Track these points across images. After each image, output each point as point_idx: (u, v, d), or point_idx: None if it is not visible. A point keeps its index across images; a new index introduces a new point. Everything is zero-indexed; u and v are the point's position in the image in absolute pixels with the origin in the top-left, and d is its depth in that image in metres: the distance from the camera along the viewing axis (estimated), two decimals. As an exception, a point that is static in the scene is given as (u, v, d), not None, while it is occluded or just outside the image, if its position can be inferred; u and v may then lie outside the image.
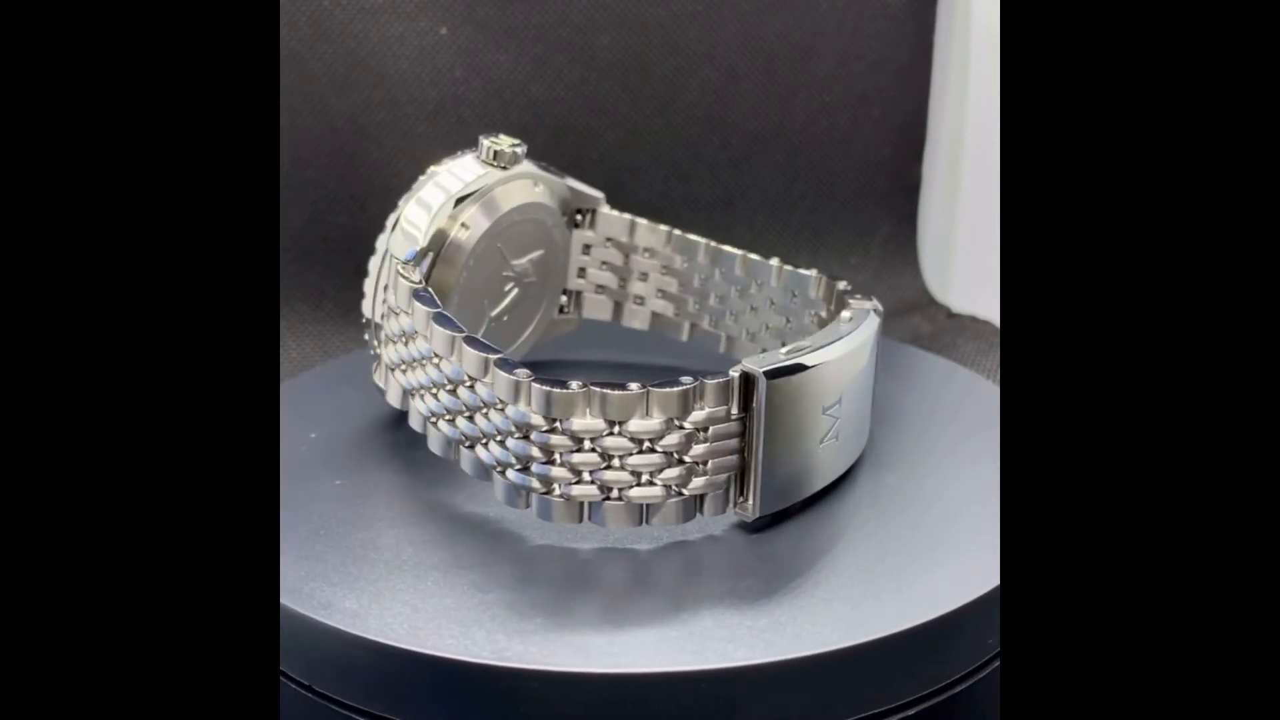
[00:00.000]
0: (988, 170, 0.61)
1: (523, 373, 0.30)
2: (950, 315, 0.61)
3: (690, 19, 0.56)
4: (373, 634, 0.29)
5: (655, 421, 0.30)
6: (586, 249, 0.41)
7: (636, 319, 0.41)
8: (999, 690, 0.31)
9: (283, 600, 0.30)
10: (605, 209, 0.40)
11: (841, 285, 0.36)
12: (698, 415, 0.30)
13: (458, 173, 0.36)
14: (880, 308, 0.35)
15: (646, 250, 0.40)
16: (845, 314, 0.34)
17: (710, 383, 0.30)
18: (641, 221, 0.40)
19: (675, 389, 0.30)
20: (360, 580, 0.31)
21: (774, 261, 0.38)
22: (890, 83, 0.59)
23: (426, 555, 0.32)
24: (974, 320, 0.60)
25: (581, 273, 0.41)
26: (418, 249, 0.35)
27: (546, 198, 0.38)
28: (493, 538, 0.32)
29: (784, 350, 0.31)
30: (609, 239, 0.40)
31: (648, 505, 0.30)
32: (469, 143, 0.55)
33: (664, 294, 0.40)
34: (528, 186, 0.38)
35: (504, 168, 0.36)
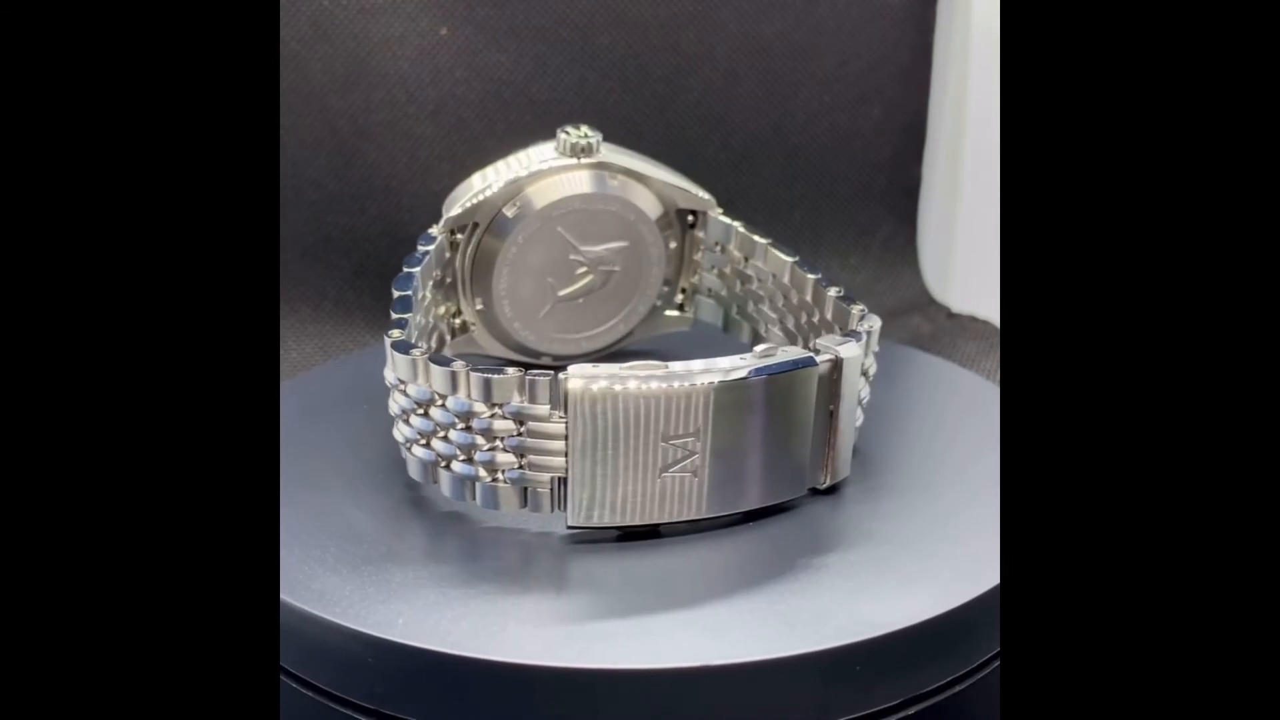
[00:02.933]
0: (988, 170, 0.61)
1: (395, 333, 0.33)
2: (950, 315, 0.61)
3: (690, 19, 0.56)
4: (373, 629, 0.29)
5: (472, 402, 0.31)
6: (699, 250, 0.41)
7: (740, 330, 0.41)
8: (999, 690, 0.31)
9: (283, 596, 0.30)
10: (715, 213, 0.40)
11: (865, 327, 0.34)
12: (513, 406, 0.31)
13: (527, 156, 0.39)
14: (832, 357, 0.32)
15: (746, 259, 0.39)
16: (760, 347, 0.32)
17: (530, 378, 0.30)
18: (742, 230, 0.39)
19: (491, 375, 0.31)
20: (361, 576, 0.31)
21: (833, 292, 0.36)
22: (890, 83, 0.59)
23: (428, 551, 0.32)
24: (974, 320, 0.60)
25: (695, 273, 0.41)
26: (447, 216, 0.38)
27: (626, 192, 0.39)
28: (493, 533, 0.32)
29: (629, 365, 0.31)
30: (717, 243, 0.40)
31: (472, 482, 0.32)
32: (469, 143, 0.55)
33: (759, 311, 0.40)
34: (600, 178, 0.38)
35: (576, 158, 0.38)
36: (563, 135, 0.38)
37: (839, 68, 0.58)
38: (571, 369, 0.30)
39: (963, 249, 0.63)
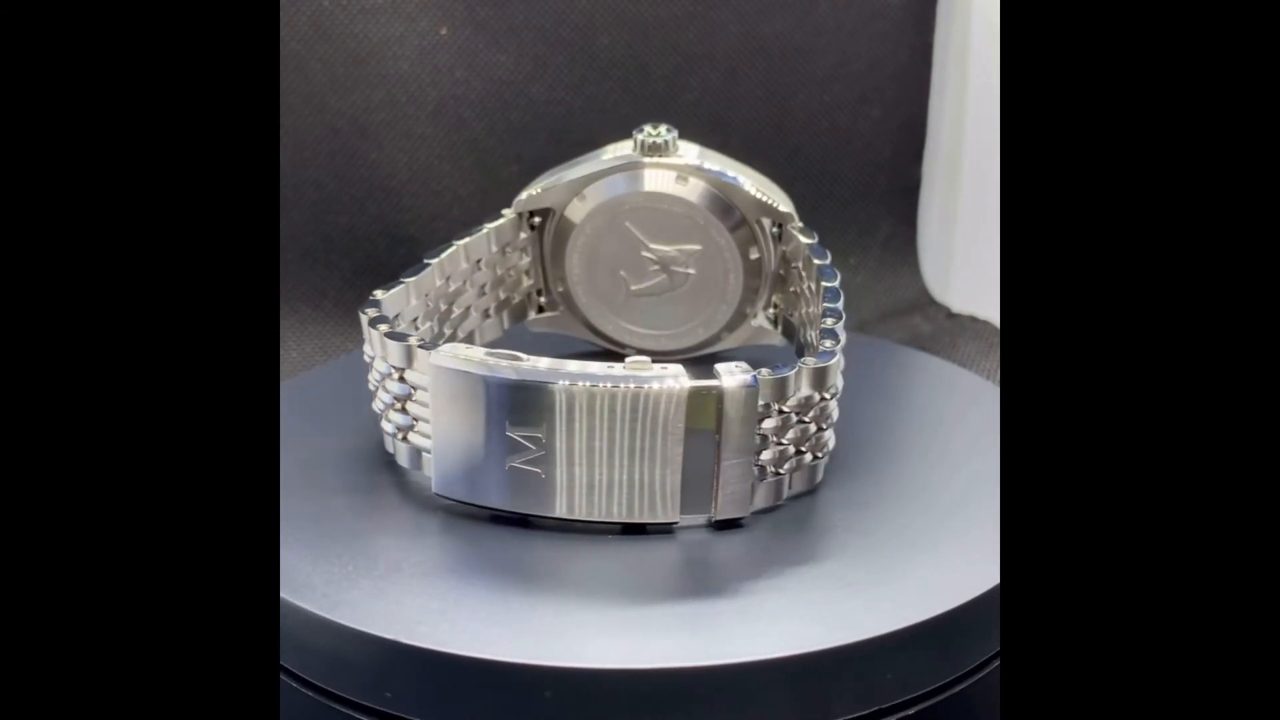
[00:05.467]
0: (988, 170, 0.61)
1: (377, 293, 0.36)
2: (950, 315, 0.61)
3: (690, 19, 0.56)
4: (373, 629, 0.29)
5: (386, 365, 0.33)
6: (787, 264, 0.39)
7: (808, 354, 0.38)
8: (999, 690, 0.31)
9: (283, 596, 0.30)
10: (792, 227, 0.38)
11: (811, 363, 0.32)
12: (411, 375, 0.33)
13: (604, 152, 0.40)
14: (714, 386, 0.31)
15: (807, 277, 0.38)
16: (633, 359, 0.31)
17: (415, 348, 0.32)
18: (807, 249, 0.38)
19: (398, 342, 0.33)
20: (361, 576, 0.31)
21: (828, 323, 0.35)
22: (890, 83, 0.59)
23: (429, 550, 0.32)
24: (974, 320, 0.60)
25: (785, 287, 0.40)
26: (516, 200, 0.40)
27: (695, 194, 0.39)
28: (494, 533, 0.32)
29: (495, 352, 0.32)
30: (794, 260, 0.39)
31: (392, 438, 0.34)
32: (469, 143, 0.55)
33: (812, 336, 0.38)
34: (666, 178, 0.39)
35: (648, 156, 0.38)
36: (637, 133, 0.39)
37: (839, 68, 0.58)
38: (444, 346, 0.32)
39: (963, 249, 0.63)
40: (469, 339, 0.40)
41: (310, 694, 0.30)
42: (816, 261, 0.37)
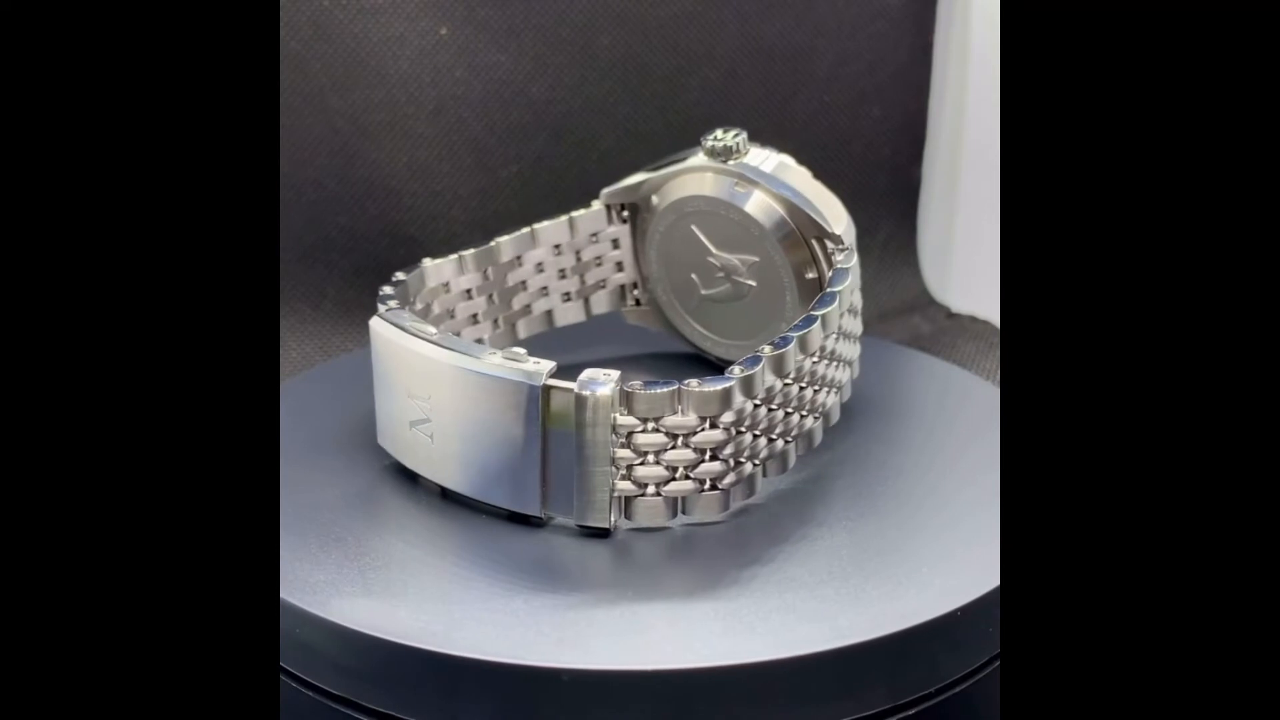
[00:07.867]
0: (988, 170, 0.61)
1: (427, 261, 0.38)
2: (950, 315, 0.61)
3: (690, 19, 0.56)
4: (373, 629, 0.29)
5: None
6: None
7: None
8: (999, 690, 0.31)
9: (283, 596, 0.30)
10: (839, 249, 0.37)
11: (698, 386, 0.31)
12: None
13: (683, 154, 0.40)
14: (570, 388, 0.31)
15: (851, 307, 0.36)
16: (516, 349, 0.32)
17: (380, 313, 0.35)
18: (848, 276, 0.36)
19: (382, 305, 0.35)
20: (361, 576, 0.31)
21: (767, 349, 0.34)
22: (890, 83, 0.59)
23: (429, 550, 0.32)
24: (974, 320, 0.60)
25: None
26: (604, 192, 0.41)
27: (747, 203, 0.38)
28: (495, 533, 0.32)
29: (419, 323, 0.33)
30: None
31: None
32: (469, 143, 0.55)
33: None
34: (724, 184, 0.38)
35: (721, 161, 0.38)
36: (705, 137, 0.38)
37: (839, 68, 0.58)
38: (389, 311, 0.34)
39: (962, 249, 0.63)
40: (547, 318, 0.41)
41: (310, 694, 0.30)
42: (828, 288, 0.35)
